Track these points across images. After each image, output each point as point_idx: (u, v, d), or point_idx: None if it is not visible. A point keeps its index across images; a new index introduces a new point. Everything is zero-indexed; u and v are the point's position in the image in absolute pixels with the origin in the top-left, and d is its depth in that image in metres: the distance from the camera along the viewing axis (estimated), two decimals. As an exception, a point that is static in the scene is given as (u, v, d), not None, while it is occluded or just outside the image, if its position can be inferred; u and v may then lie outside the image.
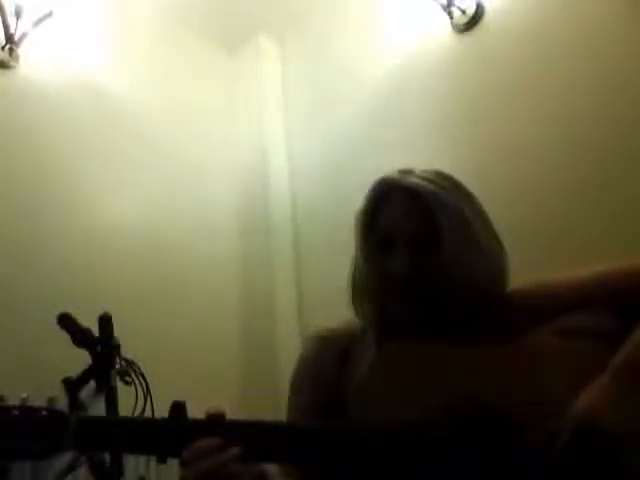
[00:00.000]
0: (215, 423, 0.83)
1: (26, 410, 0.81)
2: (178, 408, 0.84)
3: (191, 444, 0.81)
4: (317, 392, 1.03)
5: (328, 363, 1.04)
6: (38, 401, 0.85)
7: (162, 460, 0.83)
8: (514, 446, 0.83)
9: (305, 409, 1.04)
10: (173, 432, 0.83)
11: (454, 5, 2.30)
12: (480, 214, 1.06)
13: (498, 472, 0.82)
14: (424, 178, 1.04)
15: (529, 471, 0.82)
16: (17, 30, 2.24)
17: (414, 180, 1.04)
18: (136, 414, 1.68)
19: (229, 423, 0.85)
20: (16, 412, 0.81)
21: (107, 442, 0.87)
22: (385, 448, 0.83)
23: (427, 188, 1.02)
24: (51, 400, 0.86)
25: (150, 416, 1.64)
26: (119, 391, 1.70)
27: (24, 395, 0.84)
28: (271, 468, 0.88)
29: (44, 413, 0.81)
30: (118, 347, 1.73)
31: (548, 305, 0.99)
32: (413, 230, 1.01)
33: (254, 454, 0.82)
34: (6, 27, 2.22)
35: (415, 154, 2.24)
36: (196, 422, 0.84)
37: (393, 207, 1.04)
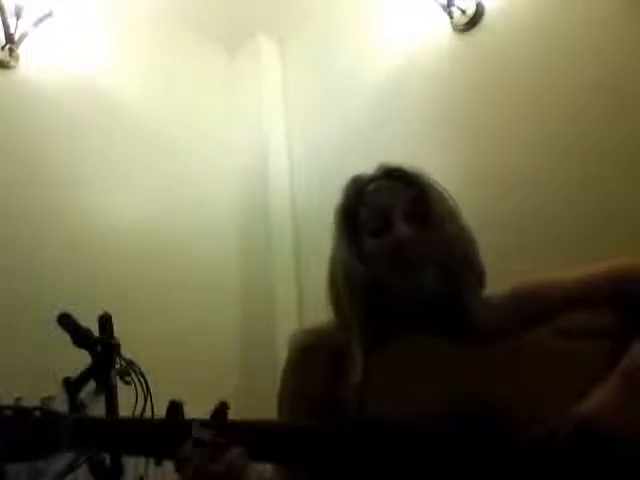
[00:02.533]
0: (216, 419, 0.83)
1: (20, 411, 0.81)
2: (175, 408, 0.84)
3: (188, 441, 0.80)
4: (308, 409, 1.00)
5: (316, 375, 1.01)
6: (35, 401, 0.85)
7: (159, 461, 0.82)
8: (513, 444, 0.83)
9: None
10: (169, 433, 0.82)
11: (454, 5, 2.30)
12: (452, 199, 1.08)
13: (498, 469, 0.82)
14: (402, 165, 1.08)
15: (528, 469, 0.82)
16: (17, 30, 2.24)
17: (393, 166, 1.08)
18: (136, 414, 1.68)
19: (229, 423, 0.84)
20: (9, 412, 0.80)
21: (102, 443, 0.86)
22: (385, 446, 0.83)
23: (410, 169, 1.07)
24: (45, 400, 0.85)
25: (150, 416, 1.64)
26: (119, 391, 1.70)
27: (18, 395, 0.84)
28: (269, 469, 0.88)
29: (37, 414, 0.81)
30: (118, 347, 1.73)
31: (546, 305, 0.99)
32: (405, 204, 1.03)
33: (254, 454, 0.82)
34: (6, 27, 2.23)
35: (415, 154, 2.24)
36: (193, 422, 0.84)
37: (380, 189, 1.06)
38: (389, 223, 1.02)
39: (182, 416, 0.84)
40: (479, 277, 1.03)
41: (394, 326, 0.98)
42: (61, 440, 0.80)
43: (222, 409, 0.85)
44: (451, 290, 0.98)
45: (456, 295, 0.99)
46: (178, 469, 0.80)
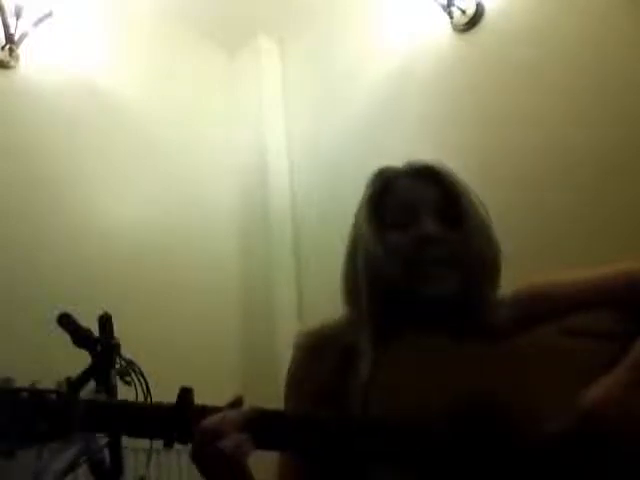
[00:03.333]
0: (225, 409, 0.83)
1: (35, 392, 0.81)
2: (185, 393, 0.85)
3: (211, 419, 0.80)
4: (314, 408, 1.00)
5: (322, 373, 0.99)
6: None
7: (169, 444, 0.83)
8: (516, 445, 0.83)
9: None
10: (181, 416, 0.83)
11: (454, 5, 2.30)
12: (479, 199, 1.08)
13: (500, 469, 0.82)
14: (430, 162, 1.07)
15: (531, 468, 0.82)
16: (17, 30, 2.24)
17: (424, 164, 1.06)
18: (136, 414, 1.68)
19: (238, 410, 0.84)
20: (25, 394, 0.81)
21: (114, 425, 0.86)
22: (388, 445, 0.83)
23: (439, 165, 1.05)
24: (60, 384, 0.85)
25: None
26: (119, 391, 1.70)
27: (35, 379, 0.84)
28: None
29: (52, 396, 0.81)
30: (118, 347, 1.73)
31: (551, 306, 0.99)
32: (435, 202, 1.01)
33: (260, 442, 0.82)
34: (6, 27, 2.23)
35: (415, 154, 2.24)
36: (203, 407, 0.84)
37: (409, 183, 1.04)
38: (416, 217, 1.01)
39: (192, 401, 0.85)
40: (495, 281, 1.02)
41: (401, 324, 0.98)
42: (75, 422, 0.80)
43: (238, 403, 0.86)
44: (465, 292, 0.98)
45: (469, 297, 0.98)
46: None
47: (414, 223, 1.00)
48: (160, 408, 0.88)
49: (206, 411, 0.83)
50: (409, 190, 1.04)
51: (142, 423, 0.84)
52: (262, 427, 0.83)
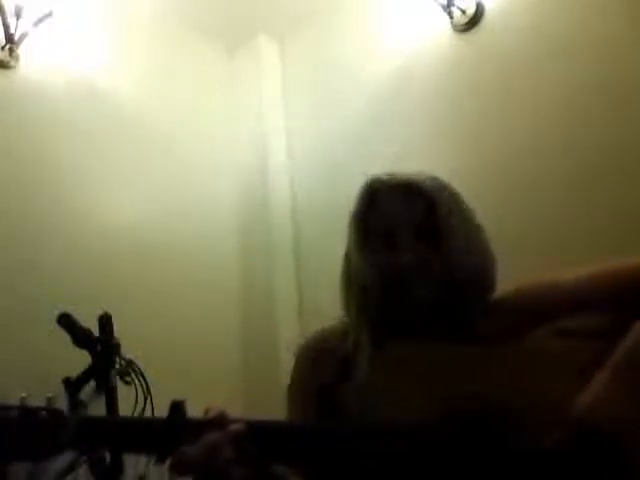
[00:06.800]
0: (216, 422, 0.83)
1: (25, 410, 0.81)
2: (177, 407, 0.84)
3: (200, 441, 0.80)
4: (315, 407, 1.00)
5: (324, 375, 1.01)
6: (38, 401, 0.85)
7: (161, 460, 0.82)
8: (512, 447, 0.83)
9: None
10: (172, 432, 0.82)
11: (454, 5, 2.30)
12: (469, 211, 1.07)
13: (495, 473, 0.82)
14: (416, 175, 1.05)
15: (527, 472, 0.82)
16: (17, 30, 2.23)
17: (410, 176, 1.05)
18: (136, 414, 1.69)
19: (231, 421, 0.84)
20: (15, 412, 0.80)
21: (106, 442, 0.86)
22: (382, 448, 0.83)
23: (426, 182, 1.04)
24: (50, 400, 0.85)
25: (150, 416, 1.64)
26: (119, 391, 1.70)
27: (24, 394, 0.84)
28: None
29: (43, 413, 0.81)
30: (118, 347, 1.73)
31: (546, 306, 0.99)
32: (415, 222, 1.02)
33: (256, 454, 0.82)
34: (6, 27, 2.22)
35: (415, 154, 2.24)
36: (195, 421, 0.84)
37: (391, 201, 1.04)
38: (395, 237, 1.01)
39: (184, 415, 0.84)
40: (483, 291, 1.02)
41: (396, 329, 0.98)
42: (66, 440, 0.80)
43: (219, 412, 0.85)
44: (447, 307, 0.99)
45: (453, 311, 0.99)
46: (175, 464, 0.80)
47: (392, 243, 1.01)
48: (152, 423, 0.88)
49: (198, 426, 0.82)
50: (391, 207, 1.04)
51: (134, 439, 0.83)
52: (257, 440, 0.83)
